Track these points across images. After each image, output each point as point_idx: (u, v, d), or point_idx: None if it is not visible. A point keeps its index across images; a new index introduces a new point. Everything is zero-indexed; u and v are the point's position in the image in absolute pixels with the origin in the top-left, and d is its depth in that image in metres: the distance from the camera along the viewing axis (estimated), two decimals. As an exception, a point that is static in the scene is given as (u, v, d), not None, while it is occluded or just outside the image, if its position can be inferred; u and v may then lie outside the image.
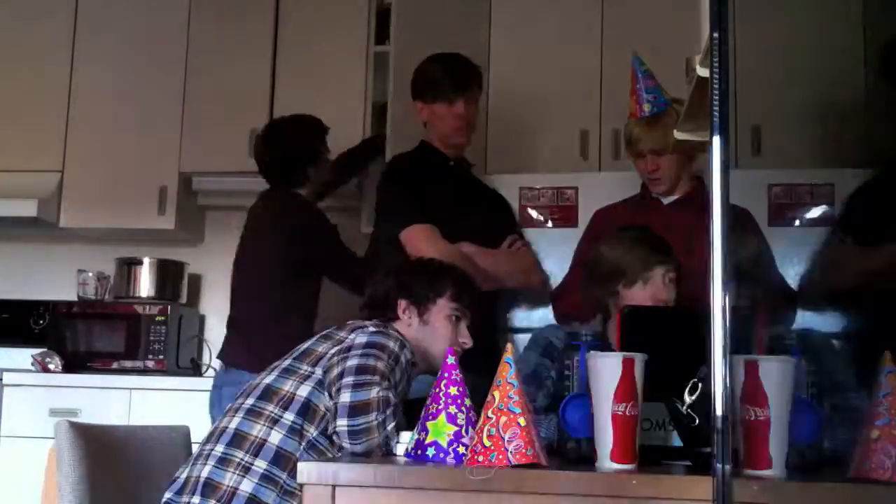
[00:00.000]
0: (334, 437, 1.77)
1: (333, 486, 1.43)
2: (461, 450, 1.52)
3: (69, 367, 3.62)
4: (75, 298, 3.86)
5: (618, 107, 3.52)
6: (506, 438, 1.42)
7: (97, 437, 1.80)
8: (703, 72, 1.62)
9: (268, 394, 1.89)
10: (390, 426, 1.75)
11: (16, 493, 3.29)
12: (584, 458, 1.53)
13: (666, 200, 2.67)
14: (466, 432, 1.53)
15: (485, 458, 1.42)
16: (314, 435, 1.83)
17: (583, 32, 3.61)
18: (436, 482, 1.43)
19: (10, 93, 3.93)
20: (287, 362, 1.95)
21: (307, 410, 1.85)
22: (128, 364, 3.67)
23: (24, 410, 3.42)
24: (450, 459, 1.52)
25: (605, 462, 1.46)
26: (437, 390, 1.57)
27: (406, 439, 1.68)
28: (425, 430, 1.56)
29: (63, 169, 3.87)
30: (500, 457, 1.41)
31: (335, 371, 1.84)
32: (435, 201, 2.68)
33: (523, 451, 1.41)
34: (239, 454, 1.82)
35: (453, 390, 1.56)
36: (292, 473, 1.76)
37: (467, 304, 2.12)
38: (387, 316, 2.08)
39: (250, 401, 1.90)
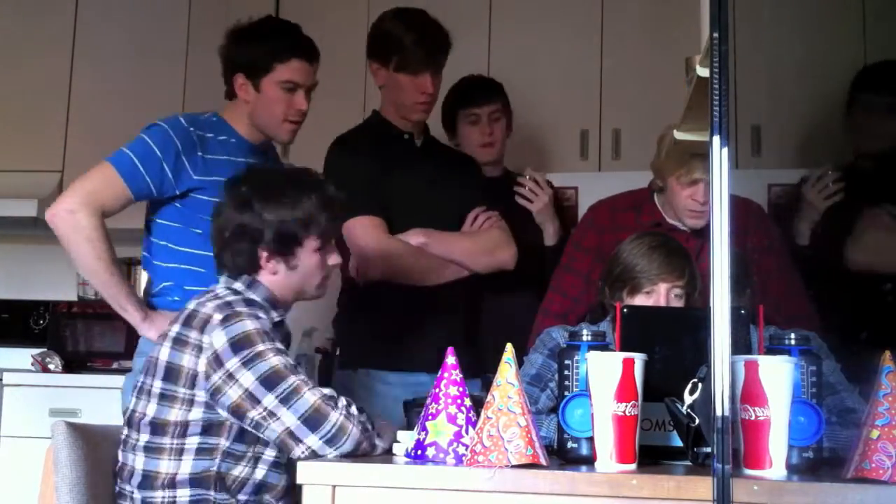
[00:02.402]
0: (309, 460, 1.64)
1: (333, 487, 1.43)
2: (461, 450, 1.51)
3: (69, 367, 3.62)
4: (75, 298, 3.86)
5: (618, 107, 3.54)
6: (506, 438, 1.42)
7: (95, 438, 1.79)
8: (703, 72, 1.62)
9: (158, 429, 1.76)
10: (354, 410, 1.69)
11: (16, 494, 3.29)
12: (584, 458, 1.53)
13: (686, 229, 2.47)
14: (466, 432, 1.53)
15: (485, 458, 1.42)
16: (228, 445, 1.75)
17: (583, 33, 3.61)
18: (436, 482, 1.43)
19: (10, 93, 3.93)
20: (158, 386, 1.77)
21: (210, 430, 1.74)
22: (128, 364, 3.65)
23: (24, 410, 3.42)
24: (450, 459, 1.52)
25: (605, 462, 1.46)
26: (437, 390, 1.57)
27: (406, 439, 1.68)
28: (425, 430, 1.56)
29: (63, 169, 3.86)
30: (500, 457, 1.40)
31: (234, 396, 1.69)
32: (385, 183, 2.45)
33: (523, 450, 1.41)
34: (158, 494, 1.74)
35: (453, 390, 1.56)
36: (218, 487, 1.74)
37: (331, 229, 1.93)
38: (251, 274, 1.88)
39: (144, 437, 1.77)
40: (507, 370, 1.47)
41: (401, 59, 2.48)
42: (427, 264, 2.45)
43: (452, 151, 2.83)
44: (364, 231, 2.41)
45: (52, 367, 3.60)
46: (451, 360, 1.59)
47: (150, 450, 1.77)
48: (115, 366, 3.67)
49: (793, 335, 1.58)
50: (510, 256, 2.54)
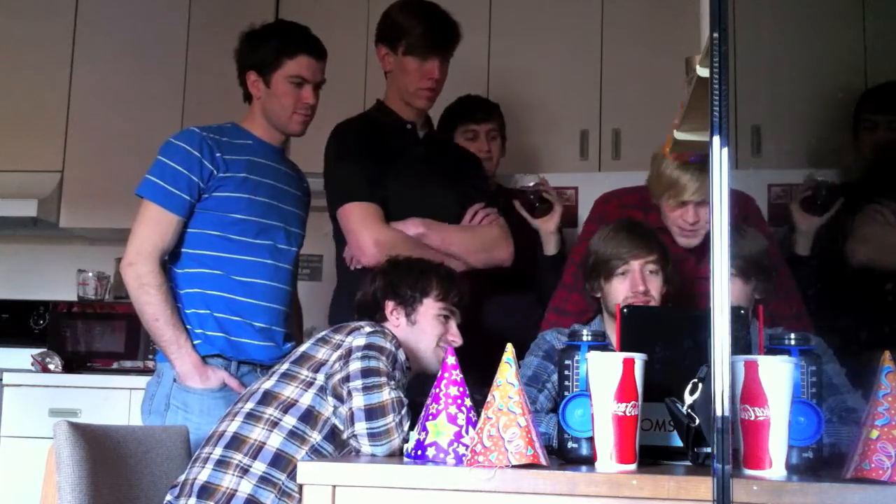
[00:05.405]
0: (352, 441, 1.76)
1: (333, 487, 1.43)
2: (461, 450, 1.52)
3: (69, 367, 3.63)
4: (75, 298, 3.86)
5: (618, 107, 3.55)
6: (506, 439, 1.42)
7: (96, 438, 1.80)
8: (703, 72, 1.62)
9: (267, 398, 1.88)
10: (405, 426, 1.75)
11: (16, 494, 3.29)
12: (584, 459, 1.53)
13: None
14: (466, 432, 1.53)
15: (485, 458, 1.42)
16: (318, 440, 1.82)
17: (583, 33, 3.61)
18: (436, 482, 1.43)
19: (10, 93, 3.94)
20: (285, 367, 1.93)
21: (310, 417, 1.83)
22: (128, 364, 3.67)
23: (24, 410, 3.42)
24: (450, 459, 1.52)
25: (605, 462, 1.46)
26: (437, 390, 1.57)
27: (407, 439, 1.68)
28: (425, 430, 1.56)
29: (63, 169, 3.87)
30: (500, 457, 1.41)
31: (337, 376, 1.83)
32: (384, 172, 2.46)
33: (523, 451, 1.41)
34: (237, 456, 1.80)
35: (453, 390, 1.56)
36: (291, 475, 1.76)
37: (455, 303, 2.11)
38: (375, 318, 2.08)
39: (249, 405, 1.88)
40: (507, 370, 1.47)
41: (410, 43, 2.50)
42: (422, 256, 2.43)
43: (455, 146, 2.83)
44: (359, 217, 2.41)
45: (52, 367, 3.60)
46: (451, 359, 1.59)
47: (250, 416, 1.85)
48: (115, 366, 3.68)
49: (793, 335, 1.58)
50: (508, 255, 2.54)
